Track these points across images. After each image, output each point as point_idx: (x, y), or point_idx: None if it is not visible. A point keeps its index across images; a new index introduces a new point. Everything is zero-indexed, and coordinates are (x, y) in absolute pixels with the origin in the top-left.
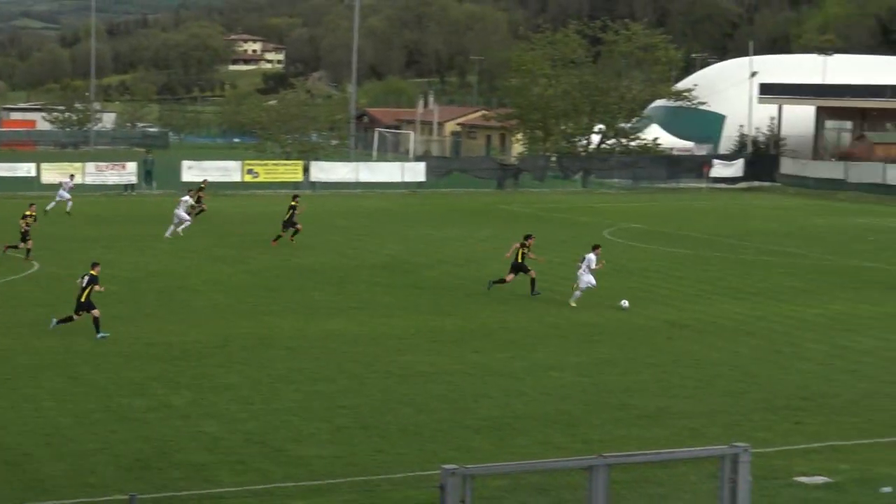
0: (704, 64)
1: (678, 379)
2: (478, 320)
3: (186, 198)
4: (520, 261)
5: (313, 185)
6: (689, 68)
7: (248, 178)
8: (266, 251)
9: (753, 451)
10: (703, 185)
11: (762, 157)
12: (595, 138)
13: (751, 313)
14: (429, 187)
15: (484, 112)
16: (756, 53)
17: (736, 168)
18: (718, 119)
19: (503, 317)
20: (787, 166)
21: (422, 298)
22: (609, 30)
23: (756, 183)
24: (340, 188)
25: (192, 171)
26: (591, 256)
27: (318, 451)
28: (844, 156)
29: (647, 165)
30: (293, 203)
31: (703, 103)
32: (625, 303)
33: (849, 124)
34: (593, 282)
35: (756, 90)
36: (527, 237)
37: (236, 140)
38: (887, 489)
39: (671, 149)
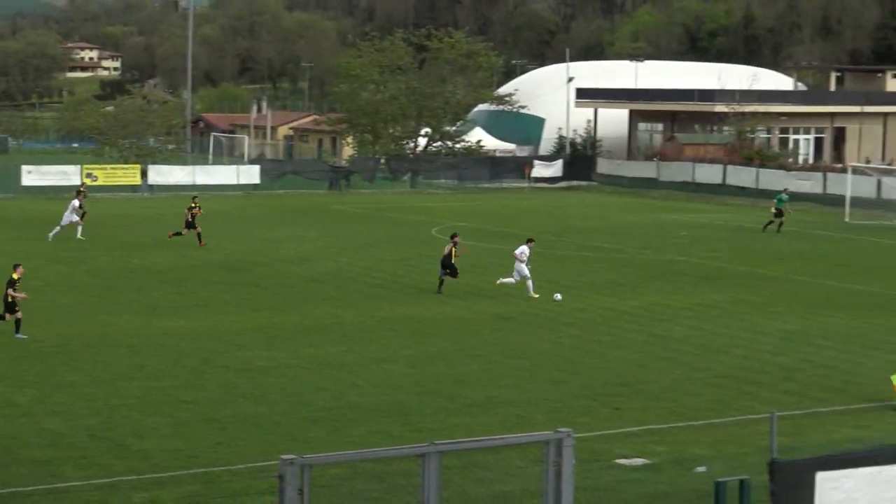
0: (524, 70)
1: (505, 369)
2: (313, 316)
3: (75, 202)
4: (452, 261)
5: (151, 188)
6: (509, 74)
7: (87, 181)
8: (106, 252)
9: (576, 436)
10: (525, 184)
11: (580, 157)
12: (422, 141)
13: (571, 305)
14: (263, 189)
15: (315, 117)
16: (572, 60)
17: (555, 168)
18: (538, 122)
19: (337, 312)
20: (603, 166)
21: (259, 296)
22: (433, 38)
23: (574, 182)
24: (178, 191)
25: (32, 176)
26: (524, 248)
27: (159, 444)
28: (656, 156)
29: (472, 166)
30: (192, 205)
31: (523, 107)
32: (557, 296)
33: (660, 126)
34: (526, 272)
35: (573, 95)
36: (454, 235)
37: (75, 145)
38: (701, 469)
39: (494, 151)
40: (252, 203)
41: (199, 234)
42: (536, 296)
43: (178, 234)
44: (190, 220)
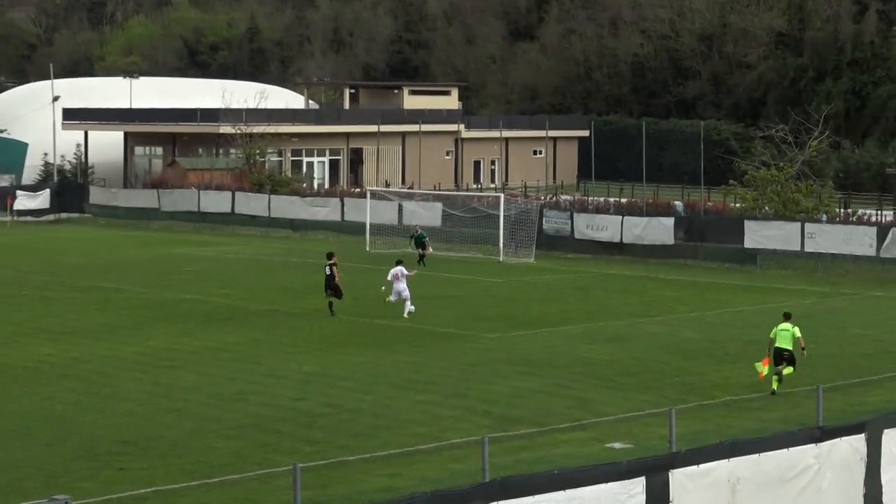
0: (3, 88)
1: None
2: None
3: None
4: (336, 281)
5: None
6: None
7: None
8: None
9: (75, 503)
10: (7, 218)
11: (69, 186)
12: None
13: (65, 355)
14: None
15: None
16: (57, 77)
17: (42, 199)
18: (20, 147)
19: None
20: (96, 196)
21: None
22: None
23: (64, 214)
24: None
25: None
26: (401, 269)
27: None
28: (157, 183)
29: None
30: None
31: (2, 131)
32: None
33: (160, 150)
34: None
35: (59, 115)
36: (330, 255)
37: None
38: None
39: None
40: None
41: None
42: (407, 316)
43: None
44: None
